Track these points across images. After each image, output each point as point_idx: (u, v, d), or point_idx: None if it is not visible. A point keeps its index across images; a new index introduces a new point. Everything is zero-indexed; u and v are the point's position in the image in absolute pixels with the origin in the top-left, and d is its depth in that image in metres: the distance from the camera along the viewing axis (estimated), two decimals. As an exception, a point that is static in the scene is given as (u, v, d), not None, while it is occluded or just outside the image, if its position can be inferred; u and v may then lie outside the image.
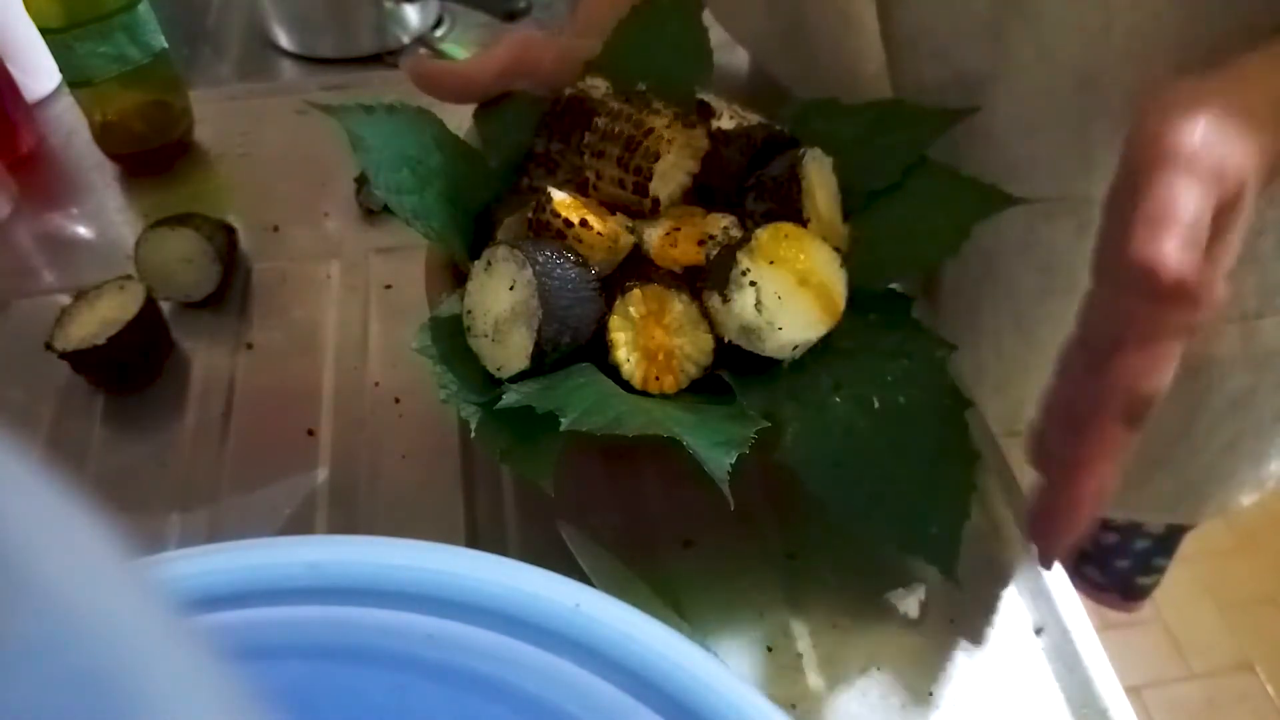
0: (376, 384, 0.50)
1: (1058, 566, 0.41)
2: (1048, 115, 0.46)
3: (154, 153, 0.63)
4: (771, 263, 0.36)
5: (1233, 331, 0.56)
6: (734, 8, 0.56)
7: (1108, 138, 0.45)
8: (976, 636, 0.39)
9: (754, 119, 0.44)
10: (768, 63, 0.62)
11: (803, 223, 0.38)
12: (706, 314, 0.37)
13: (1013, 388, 0.57)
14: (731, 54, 0.69)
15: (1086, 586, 0.88)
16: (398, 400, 0.49)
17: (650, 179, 0.39)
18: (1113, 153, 0.46)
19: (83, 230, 0.59)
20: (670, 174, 0.40)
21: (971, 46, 0.46)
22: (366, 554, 0.27)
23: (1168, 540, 0.80)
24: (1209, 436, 0.63)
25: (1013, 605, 0.40)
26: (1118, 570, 0.84)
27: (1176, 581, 0.90)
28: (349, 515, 0.44)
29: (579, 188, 0.41)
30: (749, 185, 0.41)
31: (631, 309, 0.37)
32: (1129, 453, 0.55)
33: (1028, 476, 0.61)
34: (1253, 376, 0.58)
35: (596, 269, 0.38)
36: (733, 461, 0.33)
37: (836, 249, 0.38)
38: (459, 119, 0.45)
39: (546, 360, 0.36)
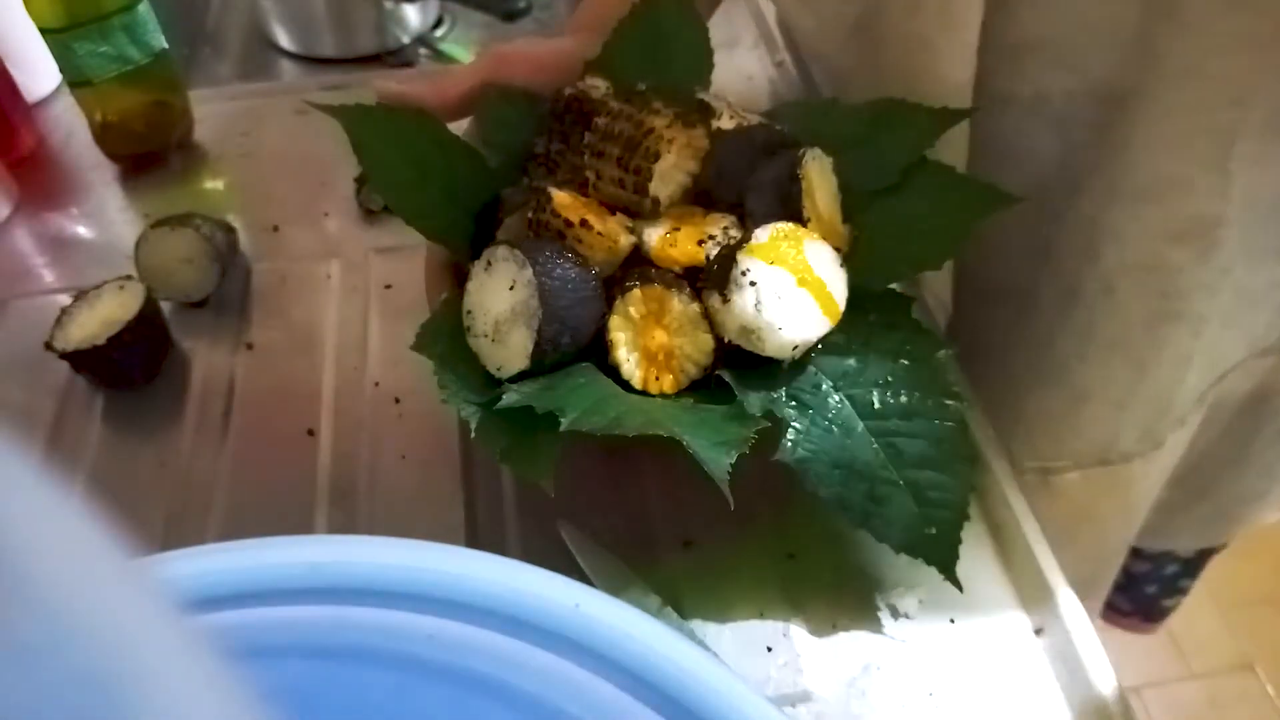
0: (376, 384, 0.50)
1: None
2: (1192, 132, 0.43)
3: (154, 153, 0.63)
4: (771, 263, 0.36)
5: None
6: None
7: (1252, 157, 0.43)
8: (976, 636, 0.39)
9: (754, 119, 0.44)
10: (824, 53, 0.60)
11: (803, 223, 0.38)
12: (706, 314, 0.37)
13: (1109, 417, 0.55)
14: (731, 54, 0.69)
15: (1112, 614, 0.87)
16: (398, 400, 0.49)
17: (650, 179, 0.39)
18: (1256, 173, 0.44)
19: (83, 230, 0.59)
20: (670, 174, 0.40)
21: (1110, 55, 0.43)
22: (366, 554, 0.27)
23: (1196, 562, 0.80)
24: (1254, 463, 0.62)
25: (1013, 605, 0.40)
26: (1145, 596, 0.83)
27: (1176, 582, 0.90)
28: (349, 515, 0.44)
29: (579, 188, 0.41)
30: (749, 185, 0.41)
31: (631, 309, 0.37)
32: (1176, 486, 0.54)
33: (1130, 511, 0.59)
34: None
35: (596, 269, 0.38)
36: (733, 461, 0.33)
37: (836, 249, 0.38)
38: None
39: (546, 360, 0.36)
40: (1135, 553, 0.79)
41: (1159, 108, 0.43)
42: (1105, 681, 0.37)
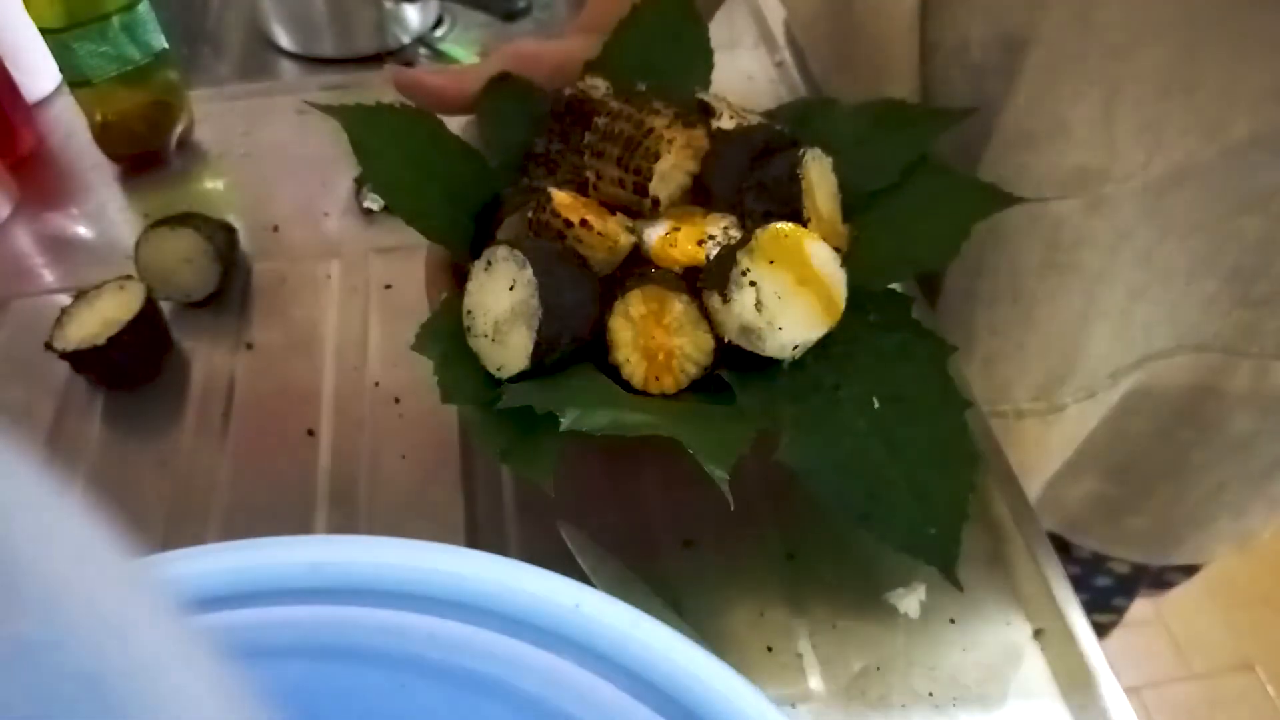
0: (376, 384, 0.50)
1: (1062, 570, 0.40)
2: (1075, 82, 0.44)
3: (154, 153, 0.63)
4: (771, 263, 0.36)
5: (1247, 369, 0.54)
6: None
7: (1139, 116, 0.44)
8: (976, 636, 0.39)
9: (754, 119, 0.44)
10: (805, 22, 0.60)
11: (803, 223, 0.38)
12: (706, 314, 0.37)
13: (1000, 365, 0.56)
14: (732, 54, 0.69)
15: None
16: (398, 400, 0.49)
17: (650, 179, 0.39)
18: (1147, 136, 0.44)
19: (83, 230, 0.59)
20: (670, 174, 0.40)
21: (1014, 2, 0.44)
22: (366, 554, 0.27)
23: (1130, 582, 0.77)
24: (1195, 480, 0.61)
25: (1013, 605, 0.40)
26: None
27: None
28: (349, 515, 0.44)
29: (579, 188, 0.41)
30: (749, 185, 0.41)
31: (631, 309, 0.37)
32: (1113, 481, 0.54)
33: (1027, 474, 0.60)
34: (1257, 420, 0.56)
35: (596, 269, 0.38)
36: (733, 461, 0.33)
37: (836, 249, 0.38)
38: (459, 119, 0.45)
39: (546, 360, 0.36)
40: (1067, 553, 0.77)
41: (1049, 55, 0.44)
42: (1105, 682, 0.37)
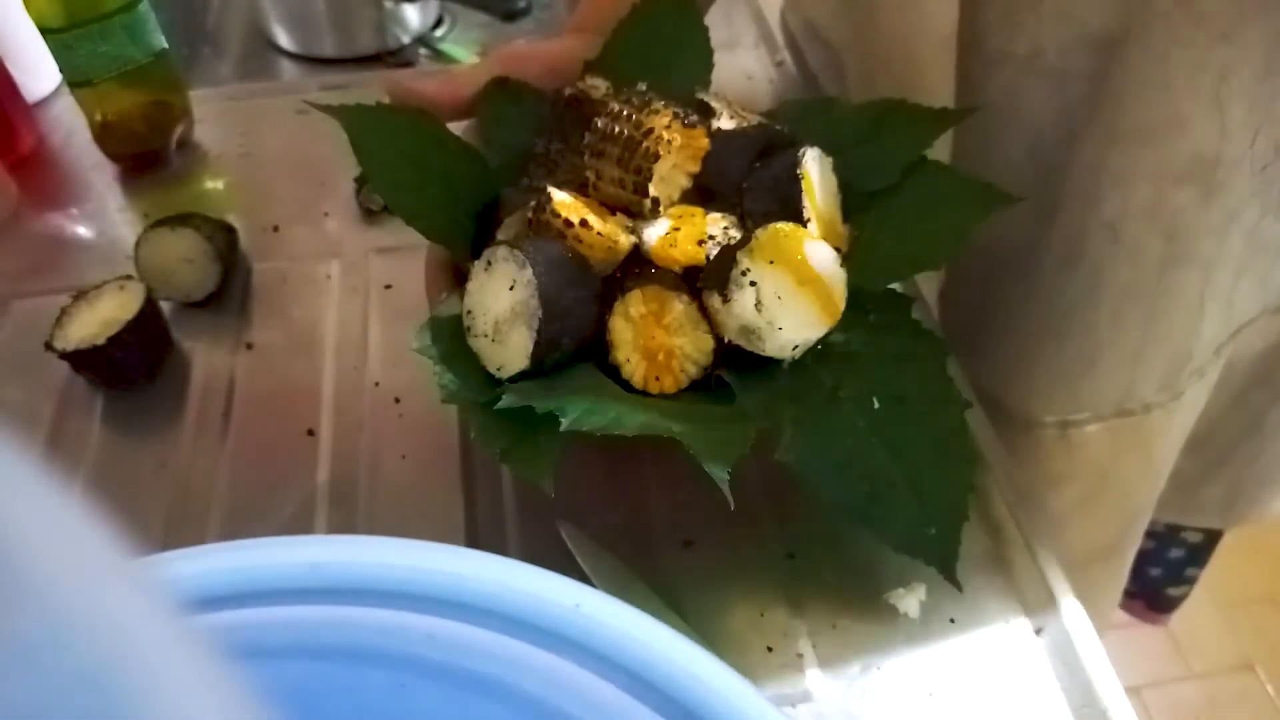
0: (376, 384, 0.50)
1: (1062, 570, 0.40)
2: (1184, 71, 0.43)
3: (154, 153, 0.63)
4: (771, 263, 0.36)
5: None
6: None
7: (1248, 96, 0.43)
8: (976, 636, 0.39)
9: (754, 119, 0.44)
10: (822, 24, 0.60)
11: (803, 223, 0.38)
12: (706, 314, 0.37)
13: (1125, 365, 0.54)
14: (732, 54, 0.69)
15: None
16: (398, 400, 0.49)
17: (650, 179, 0.39)
18: (1255, 114, 0.44)
19: (83, 230, 0.59)
20: (670, 174, 0.40)
21: (1105, 2, 0.43)
22: (366, 554, 0.27)
23: (1202, 549, 0.78)
24: (1273, 437, 0.61)
25: (1013, 605, 0.40)
26: (1149, 578, 0.81)
27: (1176, 582, 0.90)
28: (349, 515, 0.44)
29: (579, 188, 0.41)
30: (749, 185, 0.41)
31: (631, 309, 0.37)
32: (1191, 453, 0.52)
33: (1160, 470, 0.58)
34: None
35: (596, 269, 0.38)
36: (733, 461, 0.33)
37: (836, 249, 0.38)
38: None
39: (546, 360, 0.36)
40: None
41: (1151, 49, 0.43)
42: (1105, 681, 0.37)
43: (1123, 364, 0.55)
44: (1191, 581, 0.82)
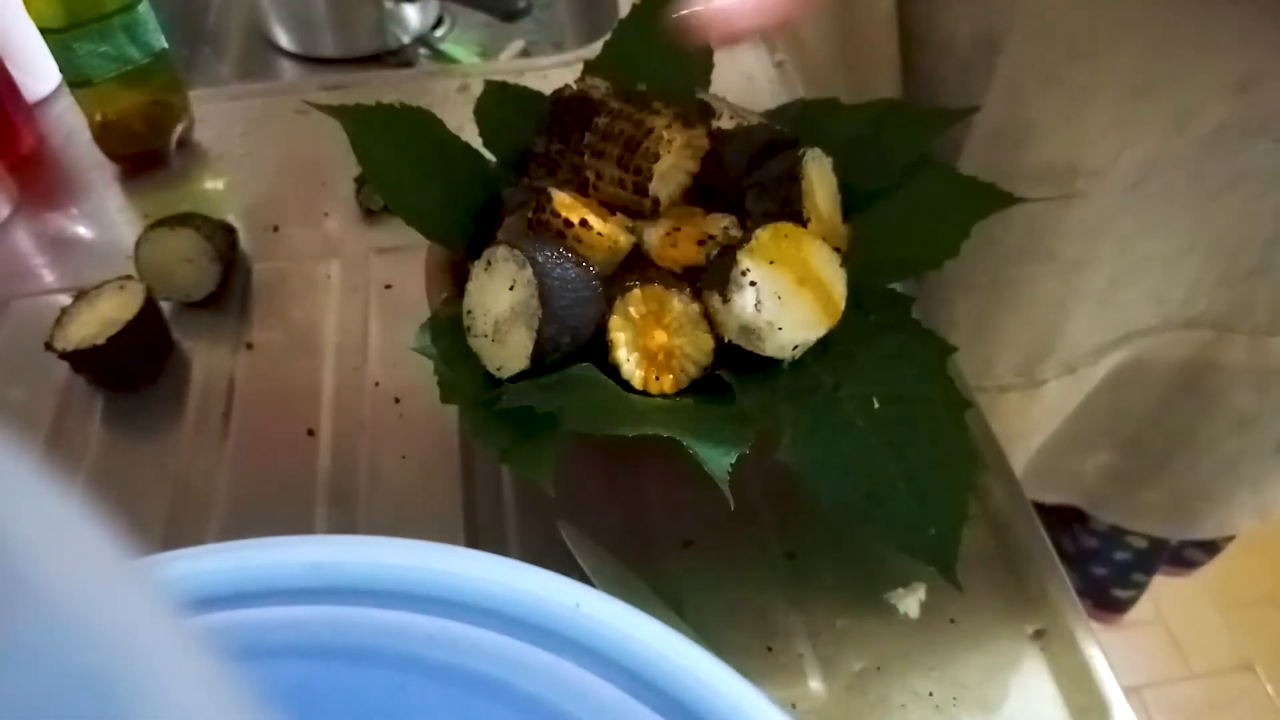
0: (376, 384, 0.50)
1: (1062, 570, 0.41)
2: (1043, 80, 0.46)
3: (154, 153, 0.63)
4: (771, 263, 0.36)
5: (1240, 343, 0.55)
6: None
7: (1101, 112, 0.45)
8: (976, 637, 0.39)
9: (754, 119, 0.44)
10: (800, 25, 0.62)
11: (803, 223, 0.38)
12: (706, 314, 0.37)
13: (982, 344, 0.57)
14: (732, 54, 0.69)
15: None
16: (398, 400, 0.49)
17: (650, 179, 0.39)
18: (1106, 127, 0.45)
19: (83, 230, 0.59)
20: (670, 174, 0.40)
21: (985, 6, 0.45)
22: (366, 554, 0.27)
23: (1149, 556, 0.78)
24: (1207, 452, 0.62)
25: (1013, 606, 0.40)
26: (1094, 576, 0.83)
27: (1176, 581, 0.89)
28: (349, 515, 0.44)
29: (579, 188, 0.41)
30: (749, 185, 0.41)
31: (631, 309, 0.37)
32: (1125, 453, 0.53)
33: (1009, 443, 0.59)
34: (1258, 396, 0.57)
35: (596, 269, 0.38)
36: (733, 462, 0.33)
37: (836, 249, 0.38)
38: (459, 119, 0.45)
39: (546, 360, 0.36)
40: (1085, 525, 0.78)
41: (1016, 57, 0.45)
42: (1105, 681, 0.37)
43: (978, 344, 0.57)
44: (1140, 586, 0.83)
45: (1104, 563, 0.81)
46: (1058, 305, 0.54)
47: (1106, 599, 0.85)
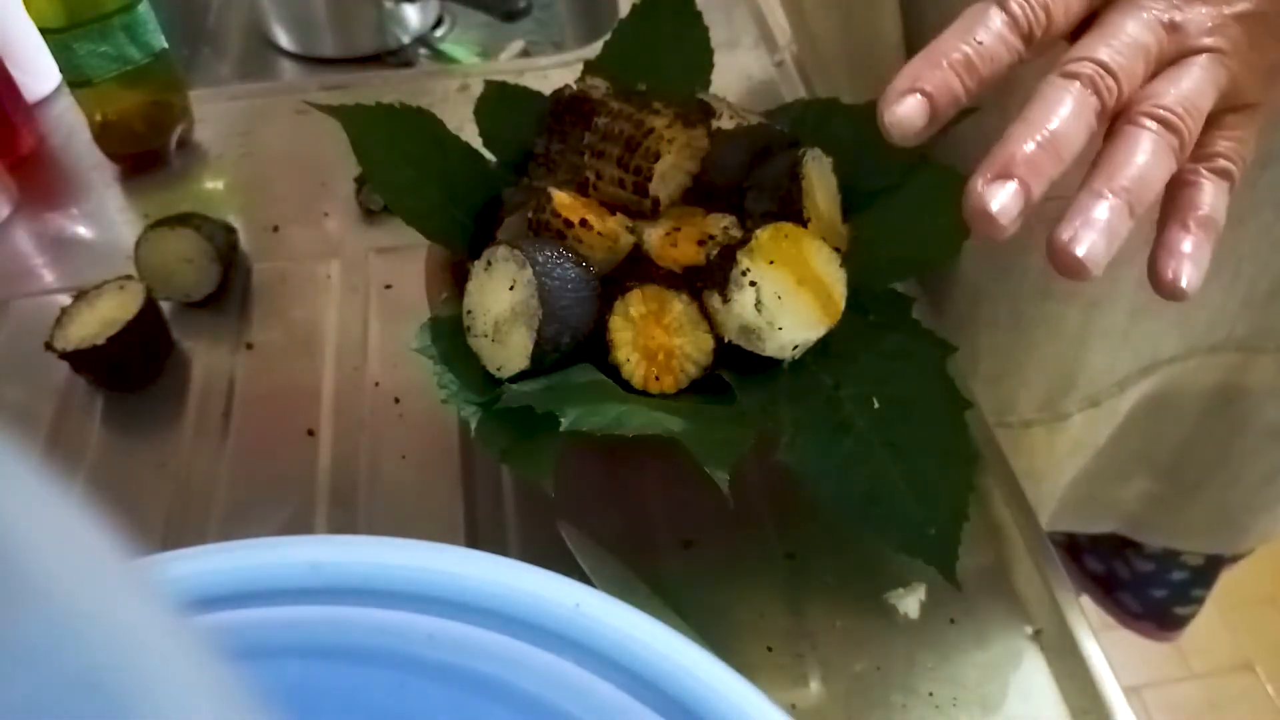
0: (376, 384, 0.50)
1: (1063, 570, 0.41)
2: None
3: (154, 153, 0.63)
4: (771, 263, 0.36)
5: (1267, 364, 0.55)
6: None
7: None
8: (976, 636, 0.39)
9: (754, 119, 0.44)
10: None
11: (803, 223, 0.38)
12: (706, 314, 0.37)
13: (1005, 381, 0.57)
14: (732, 54, 0.69)
15: (1121, 614, 0.86)
16: (398, 400, 0.49)
17: (650, 179, 0.39)
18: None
19: (83, 230, 0.59)
20: (670, 174, 0.40)
21: None
22: (366, 554, 0.27)
23: (1206, 572, 0.79)
24: (1245, 468, 0.62)
25: (1013, 605, 0.40)
26: (1154, 599, 0.83)
27: (1176, 582, 0.90)
28: (349, 515, 0.44)
29: (579, 188, 0.41)
30: (749, 185, 0.41)
31: (631, 309, 0.37)
32: (1163, 479, 0.52)
33: (1037, 479, 0.60)
34: None
35: (596, 269, 0.38)
36: (733, 461, 0.33)
37: (836, 249, 0.38)
38: (459, 119, 0.45)
39: (546, 360, 0.36)
40: (1137, 549, 0.78)
41: (1032, 71, 0.44)
42: (1105, 682, 0.37)
43: (1001, 381, 0.57)
44: (1200, 601, 0.84)
45: (1162, 584, 0.81)
46: (1079, 341, 0.54)
47: (1169, 618, 0.86)
